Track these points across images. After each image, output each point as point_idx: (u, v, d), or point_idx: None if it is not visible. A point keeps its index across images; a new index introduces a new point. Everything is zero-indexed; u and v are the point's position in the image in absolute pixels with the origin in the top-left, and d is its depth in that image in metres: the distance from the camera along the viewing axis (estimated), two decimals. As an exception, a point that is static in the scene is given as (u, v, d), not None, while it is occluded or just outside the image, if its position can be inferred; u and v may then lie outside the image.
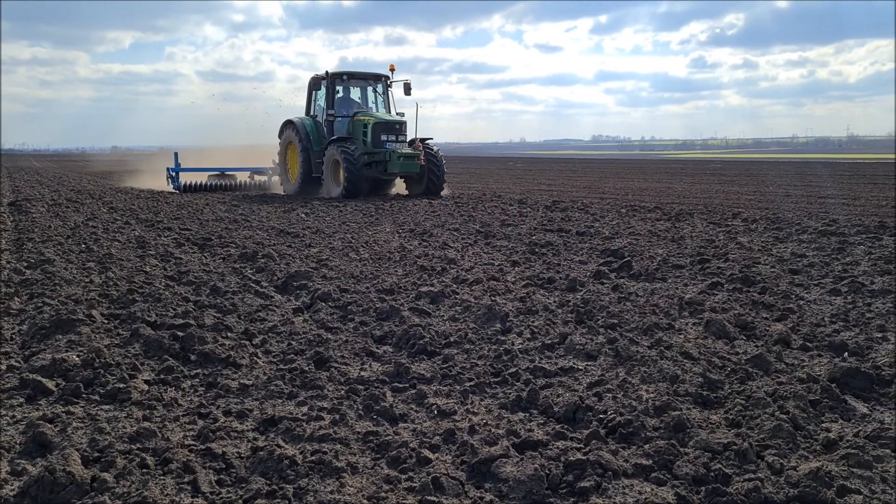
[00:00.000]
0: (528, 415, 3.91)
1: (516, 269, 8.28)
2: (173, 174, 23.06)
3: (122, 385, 4.17)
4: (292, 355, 4.94)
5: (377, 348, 5.18)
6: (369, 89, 21.72)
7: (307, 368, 4.62)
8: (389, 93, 21.42)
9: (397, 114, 20.97)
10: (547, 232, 11.60)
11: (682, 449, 3.37)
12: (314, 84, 21.30)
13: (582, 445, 3.45)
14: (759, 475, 3.13)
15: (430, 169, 19.98)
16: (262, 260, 8.71)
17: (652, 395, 4.03)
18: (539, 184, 28.24)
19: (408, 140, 20.09)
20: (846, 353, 4.85)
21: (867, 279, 7.21)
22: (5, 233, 11.03)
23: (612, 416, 3.74)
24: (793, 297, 6.64)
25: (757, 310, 6.18)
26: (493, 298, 6.48)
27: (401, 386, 4.37)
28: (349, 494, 2.99)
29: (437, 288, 6.96)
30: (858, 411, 3.89)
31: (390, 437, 3.55)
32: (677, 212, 14.66)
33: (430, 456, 3.34)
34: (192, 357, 4.87)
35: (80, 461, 3.14)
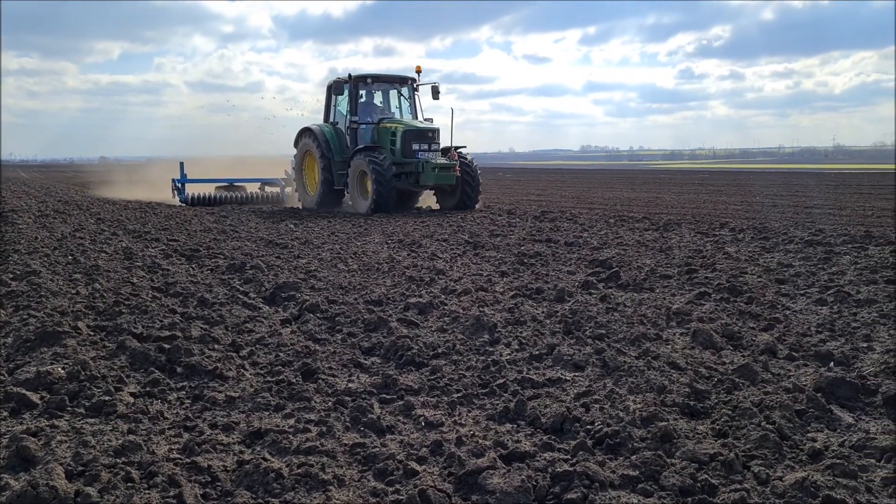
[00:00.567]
0: (515, 426, 3.91)
1: (505, 279, 8.30)
2: (179, 185, 21.80)
3: (107, 398, 4.14)
4: (279, 367, 4.92)
5: (365, 359, 5.17)
6: (393, 93, 20.29)
7: (294, 380, 4.60)
8: (417, 97, 19.91)
9: (425, 120, 19.58)
10: (535, 242, 11.62)
11: (668, 460, 3.38)
12: (336, 88, 19.51)
13: (569, 457, 3.45)
14: (746, 486, 3.14)
15: (464, 180, 18.54)
16: (251, 271, 8.69)
17: (639, 406, 4.04)
18: (528, 194, 28.33)
19: (440, 148, 18.66)
20: (832, 363, 4.88)
21: (853, 289, 7.26)
22: (-9, 244, 10.94)
23: (600, 426, 3.74)
24: (779, 306, 6.67)
25: (744, 320, 6.21)
26: (481, 309, 6.48)
27: (388, 397, 4.36)
28: (335, 507, 2.97)
29: (426, 299, 6.95)
30: (844, 421, 3.91)
31: (377, 450, 3.54)
32: (665, 222, 14.73)
33: (417, 468, 3.33)
34: (179, 369, 4.85)
35: (63, 475, 3.11)
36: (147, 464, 3.32)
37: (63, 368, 4.59)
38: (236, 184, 23.11)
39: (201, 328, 5.84)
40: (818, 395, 4.14)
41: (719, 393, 4.28)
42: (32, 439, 3.50)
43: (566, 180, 43.25)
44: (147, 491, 3.10)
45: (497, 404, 4.21)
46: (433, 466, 3.40)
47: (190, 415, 4.06)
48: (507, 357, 5.12)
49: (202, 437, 3.68)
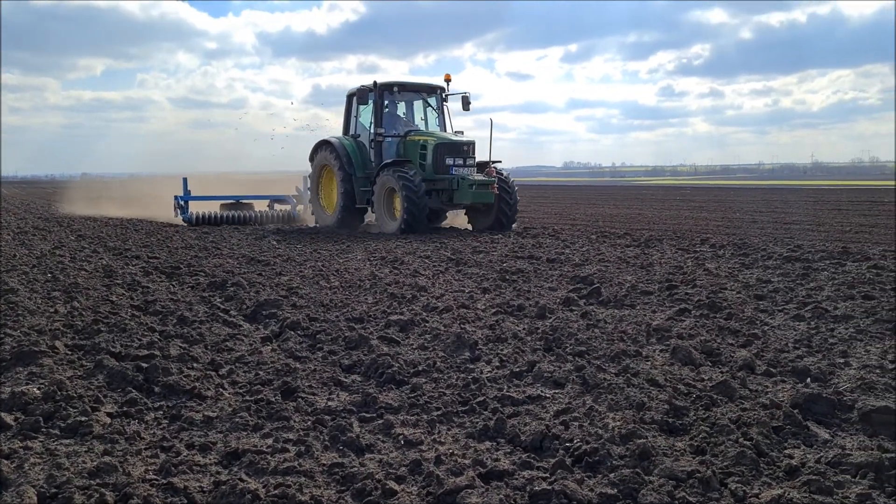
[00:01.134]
0: (494, 444, 3.91)
1: (486, 296, 8.31)
2: (182, 203, 20.11)
3: (83, 418, 4.09)
4: (259, 386, 4.89)
5: (345, 378, 5.15)
6: (418, 103, 18.53)
7: (274, 399, 4.57)
8: (446, 107, 18.29)
9: (456, 132, 17.86)
10: (518, 259, 11.65)
11: (647, 477, 3.38)
12: (359, 97, 17.66)
13: (548, 475, 3.45)
14: (723, 503, 3.16)
15: (502, 199, 16.67)
16: (232, 288, 8.64)
17: (618, 423, 4.05)
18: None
19: (476, 163, 17.01)
20: (808, 379, 4.92)
21: (830, 304, 7.34)
22: (-32, 262, 10.81)
23: (579, 444, 3.75)
24: (758, 322, 6.73)
25: (723, 336, 6.26)
26: (462, 326, 6.48)
27: (368, 416, 4.34)
28: (313, 528, 2.95)
29: (407, 316, 6.95)
30: (820, 437, 3.94)
31: (356, 469, 3.52)
32: (647, 238, 14.83)
33: (396, 487, 3.32)
34: (157, 389, 4.80)
35: (35, 498, 3.07)
36: (122, 485, 3.28)
37: (39, 388, 4.54)
38: (243, 201, 21.27)
39: (180, 347, 5.79)
40: (795, 411, 4.18)
41: (697, 409, 4.30)
42: (5, 462, 3.45)
43: (549, 196, 43.46)
44: (121, 513, 3.06)
45: (477, 422, 4.20)
46: (412, 486, 3.39)
47: (167, 435, 4.02)
48: (488, 374, 5.12)
49: (179, 457, 3.64)
